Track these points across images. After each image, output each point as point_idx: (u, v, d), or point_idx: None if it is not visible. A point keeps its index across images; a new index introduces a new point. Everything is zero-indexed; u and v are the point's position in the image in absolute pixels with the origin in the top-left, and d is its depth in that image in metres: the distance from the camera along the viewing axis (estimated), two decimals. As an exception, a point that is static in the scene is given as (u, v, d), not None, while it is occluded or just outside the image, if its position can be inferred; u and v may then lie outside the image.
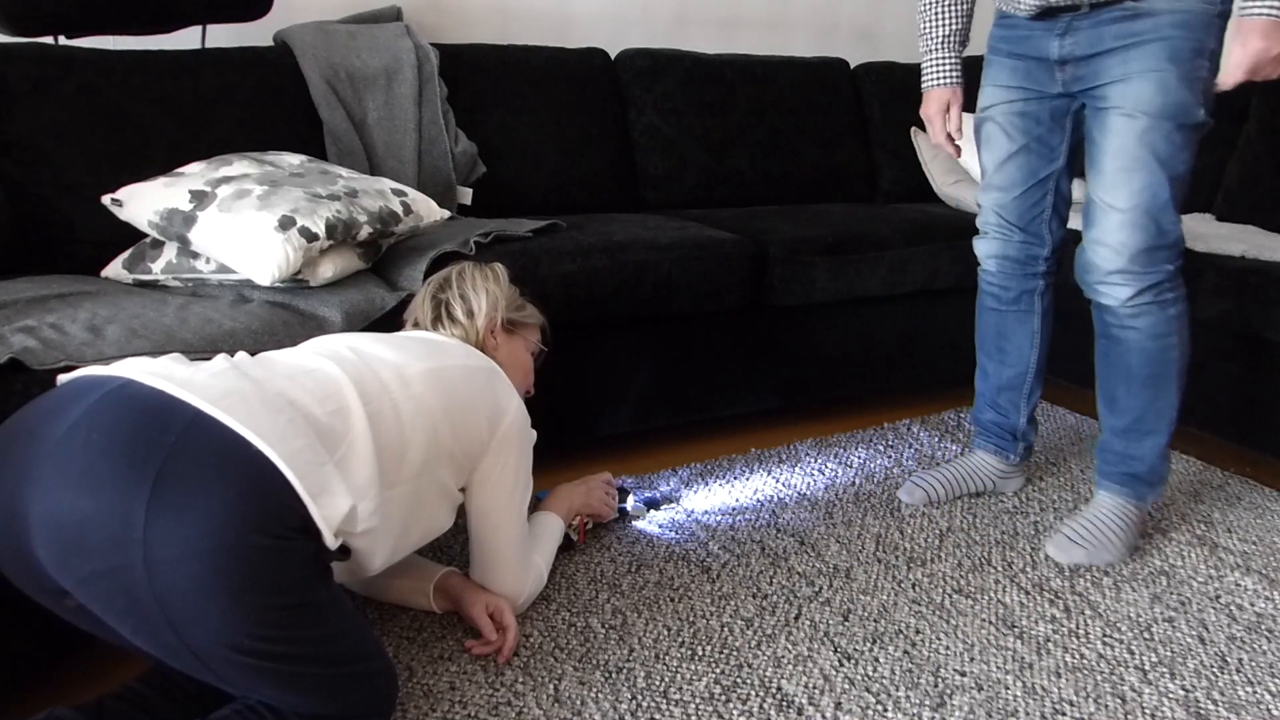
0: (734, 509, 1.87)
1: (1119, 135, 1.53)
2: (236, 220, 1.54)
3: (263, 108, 2.09)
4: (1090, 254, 1.60)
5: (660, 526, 1.79)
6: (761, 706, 1.30)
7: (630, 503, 1.80)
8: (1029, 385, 1.89)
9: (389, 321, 1.60)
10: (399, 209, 1.72)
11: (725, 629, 1.47)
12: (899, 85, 2.94)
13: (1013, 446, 1.94)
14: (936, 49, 1.78)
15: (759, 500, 1.92)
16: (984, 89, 1.76)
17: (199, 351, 1.36)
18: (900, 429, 2.33)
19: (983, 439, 1.97)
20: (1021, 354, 1.86)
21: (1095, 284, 1.61)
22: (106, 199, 1.67)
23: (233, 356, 1.15)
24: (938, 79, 1.79)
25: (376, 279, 1.75)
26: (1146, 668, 1.42)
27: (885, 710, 1.30)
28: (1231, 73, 1.47)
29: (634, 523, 1.79)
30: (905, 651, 1.43)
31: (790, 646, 1.43)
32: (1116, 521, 1.72)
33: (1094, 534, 1.70)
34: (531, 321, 1.58)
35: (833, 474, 2.06)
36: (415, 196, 1.78)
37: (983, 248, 1.85)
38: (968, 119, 1.90)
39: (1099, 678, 1.39)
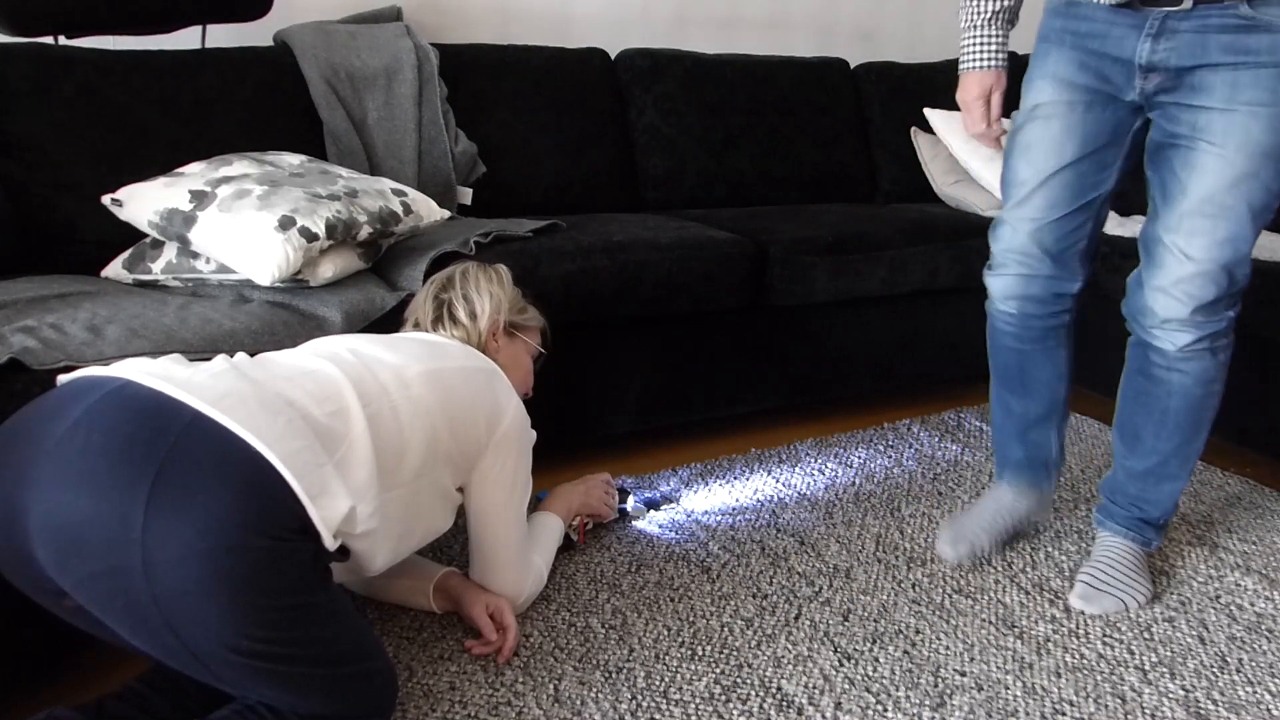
0: (734, 509, 1.87)
1: (1210, 178, 1.32)
2: (236, 220, 1.54)
3: (263, 108, 2.09)
4: (1149, 299, 1.43)
5: (660, 526, 1.79)
6: (761, 706, 1.30)
7: (630, 503, 1.80)
8: (1060, 415, 1.68)
9: (389, 322, 1.60)
10: (399, 209, 1.72)
11: (725, 629, 1.47)
12: (899, 85, 2.94)
13: (1047, 480, 1.73)
14: (982, 25, 1.52)
15: (759, 500, 1.92)
16: (1033, 82, 1.48)
17: (199, 352, 1.36)
18: (900, 429, 2.33)
19: (1013, 476, 1.73)
20: (1049, 388, 1.63)
21: (1151, 328, 1.45)
22: (106, 199, 1.67)
23: (232, 357, 1.15)
24: (981, 59, 1.53)
25: (376, 279, 1.75)
26: (1146, 668, 1.42)
27: (885, 710, 1.30)
28: None
29: (634, 523, 1.79)
30: (905, 651, 1.43)
31: (790, 646, 1.43)
32: (1133, 561, 1.60)
33: (1117, 577, 1.57)
34: (533, 324, 1.58)
35: (833, 474, 2.06)
36: (415, 196, 1.78)
37: (1000, 286, 1.58)
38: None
39: (1099, 678, 1.39)
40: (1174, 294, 1.40)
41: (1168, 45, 1.33)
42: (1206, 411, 1.50)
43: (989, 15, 1.51)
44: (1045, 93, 1.45)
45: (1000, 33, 1.53)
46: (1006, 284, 1.56)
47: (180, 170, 1.70)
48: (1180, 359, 1.45)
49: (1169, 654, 1.45)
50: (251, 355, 1.19)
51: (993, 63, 1.53)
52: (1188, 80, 1.33)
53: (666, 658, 1.40)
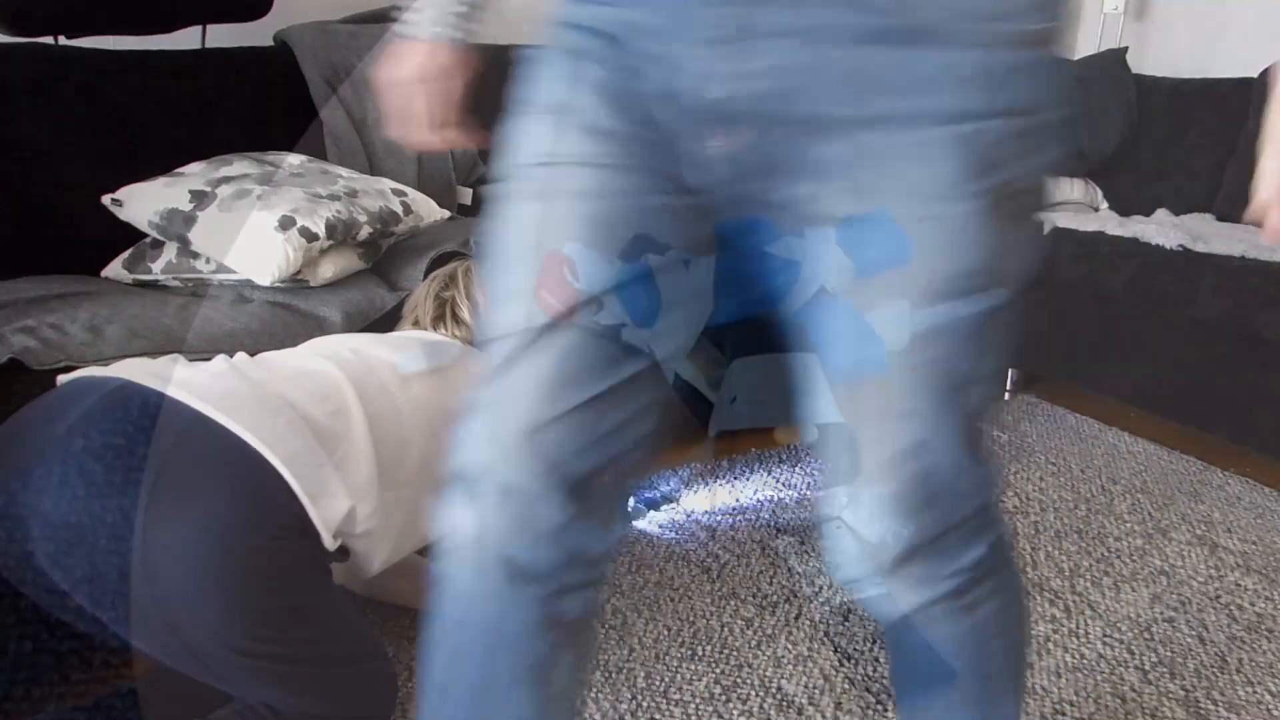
0: (734, 509, 1.87)
1: (866, 348, 0.74)
2: (236, 220, 1.54)
3: (263, 108, 2.09)
4: (841, 535, 0.78)
5: (660, 526, 1.79)
6: (761, 706, 1.30)
7: (630, 503, 1.80)
8: None
9: (389, 321, 1.60)
10: (399, 209, 1.72)
11: (725, 629, 1.47)
12: (899, 85, 2.94)
13: None
14: None
15: (759, 500, 1.92)
16: (524, 121, 0.76)
17: (199, 352, 1.36)
18: (900, 429, 2.33)
19: None
20: None
21: (854, 585, 0.81)
22: (106, 199, 1.67)
23: (232, 357, 1.15)
24: (442, 24, 0.89)
25: (376, 279, 1.75)
26: (1146, 668, 1.42)
27: (885, 710, 1.30)
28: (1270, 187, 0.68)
29: (634, 523, 1.79)
30: (905, 651, 1.43)
31: (790, 646, 1.43)
32: None
33: None
34: (532, 323, 1.58)
35: (833, 474, 2.05)
36: (415, 196, 1.78)
37: (470, 522, 0.73)
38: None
39: (1099, 678, 1.39)
40: (866, 537, 0.76)
41: (750, 66, 0.64)
42: (1007, 670, 0.86)
43: None
44: (542, 140, 0.73)
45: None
46: (485, 521, 0.72)
47: (180, 170, 1.70)
48: (922, 622, 0.81)
49: (1169, 654, 1.45)
50: (251, 356, 1.19)
51: (458, 33, 0.89)
52: (790, 152, 0.67)
53: (666, 658, 1.40)
